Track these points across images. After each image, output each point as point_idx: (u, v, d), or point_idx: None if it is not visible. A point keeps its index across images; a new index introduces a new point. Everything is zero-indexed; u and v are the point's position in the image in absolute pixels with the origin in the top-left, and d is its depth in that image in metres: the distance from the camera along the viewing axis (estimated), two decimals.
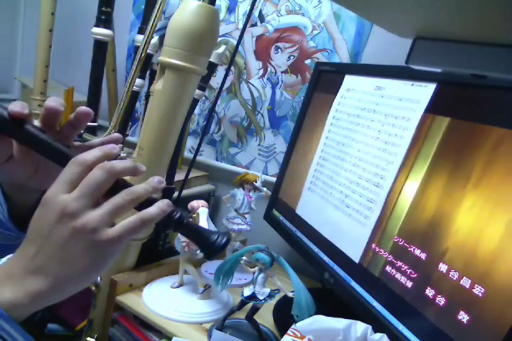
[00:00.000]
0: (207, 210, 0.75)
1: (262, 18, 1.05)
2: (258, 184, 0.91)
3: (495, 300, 0.44)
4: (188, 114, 0.74)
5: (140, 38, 1.05)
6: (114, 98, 1.26)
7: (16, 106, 0.39)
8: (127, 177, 0.39)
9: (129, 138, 1.22)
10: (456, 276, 0.49)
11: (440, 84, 0.59)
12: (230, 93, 1.13)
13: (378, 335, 0.53)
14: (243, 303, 0.70)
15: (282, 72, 1.04)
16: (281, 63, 1.04)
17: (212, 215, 1.16)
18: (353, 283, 0.66)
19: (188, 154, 1.19)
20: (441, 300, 0.50)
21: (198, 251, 0.76)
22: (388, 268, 0.59)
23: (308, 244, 0.80)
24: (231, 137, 1.15)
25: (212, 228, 0.77)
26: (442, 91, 0.59)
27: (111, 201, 0.35)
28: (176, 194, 0.93)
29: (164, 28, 0.88)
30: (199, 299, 0.79)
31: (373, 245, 0.63)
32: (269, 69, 1.06)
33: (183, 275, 0.82)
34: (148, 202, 0.37)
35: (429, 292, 0.52)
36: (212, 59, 0.90)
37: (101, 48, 0.99)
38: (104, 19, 0.96)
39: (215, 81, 1.15)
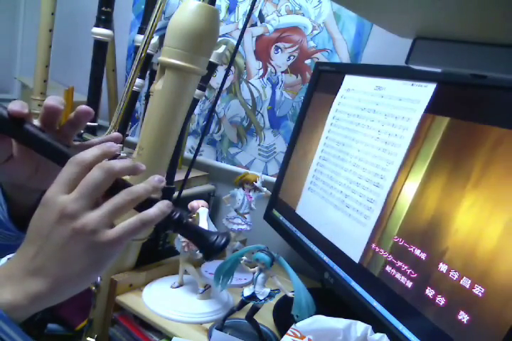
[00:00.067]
0: (207, 210, 0.75)
1: (262, 18, 1.05)
2: (258, 184, 0.91)
3: (495, 300, 0.44)
4: (188, 114, 0.74)
5: (140, 38, 1.05)
6: (114, 98, 1.26)
7: (16, 106, 0.38)
8: (127, 177, 0.38)
9: (129, 138, 1.22)
10: (456, 276, 0.48)
11: (440, 84, 0.59)
12: (230, 93, 1.13)
13: (378, 335, 0.53)
14: (243, 303, 0.70)
15: (282, 72, 1.04)
16: (281, 63, 1.04)
17: (212, 215, 1.16)
18: (353, 283, 0.66)
19: (188, 154, 1.19)
20: (441, 300, 0.50)
21: (198, 251, 0.76)
22: (388, 268, 0.59)
23: (308, 244, 0.80)
24: (231, 137, 1.15)
25: (212, 228, 0.77)
26: (442, 91, 0.59)
27: (110, 201, 0.35)
28: (176, 194, 0.93)
29: (164, 28, 0.87)
30: (199, 299, 0.79)
31: (373, 245, 0.63)
32: (269, 69, 1.06)
33: (183, 275, 0.82)
34: (148, 202, 0.37)
35: (429, 292, 0.52)
36: (212, 59, 0.90)
37: (101, 48, 0.99)
38: (104, 19, 0.96)
39: (215, 81, 1.15)
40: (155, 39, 0.97)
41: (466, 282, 0.47)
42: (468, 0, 0.45)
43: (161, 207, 0.37)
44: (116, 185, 0.36)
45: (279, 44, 1.04)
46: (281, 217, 0.93)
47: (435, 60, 0.66)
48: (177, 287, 0.82)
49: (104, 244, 0.34)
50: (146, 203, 0.37)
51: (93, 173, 0.35)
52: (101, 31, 0.96)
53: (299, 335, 0.55)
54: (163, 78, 0.66)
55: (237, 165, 1.14)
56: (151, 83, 1.09)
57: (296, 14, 1.00)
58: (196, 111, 1.18)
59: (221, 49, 0.95)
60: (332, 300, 0.70)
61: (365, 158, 0.69)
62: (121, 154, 0.93)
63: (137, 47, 1.00)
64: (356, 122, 0.73)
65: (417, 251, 0.55)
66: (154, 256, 0.88)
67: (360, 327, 0.54)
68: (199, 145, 0.96)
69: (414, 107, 0.62)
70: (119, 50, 1.25)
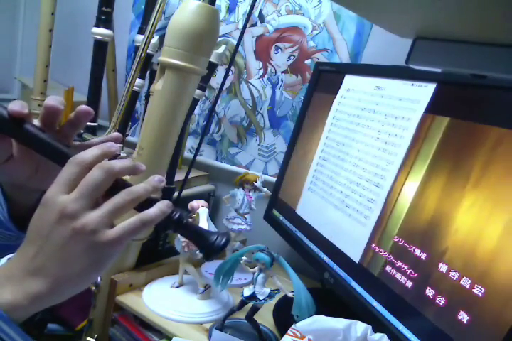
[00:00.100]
0: (207, 210, 0.75)
1: (262, 18, 1.05)
2: (258, 184, 0.91)
3: (495, 300, 0.44)
4: (188, 114, 0.74)
5: (140, 38, 1.05)
6: (114, 98, 1.26)
7: (16, 106, 0.38)
8: (127, 177, 0.38)
9: (129, 138, 1.22)
10: (456, 276, 0.48)
11: (440, 84, 0.59)
12: (230, 93, 1.13)
13: (378, 335, 0.53)
14: (243, 303, 0.70)
15: (282, 72, 1.04)
16: (281, 63, 1.04)
17: (212, 215, 1.16)
18: (353, 283, 0.66)
19: (188, 154, 1.19)
20: (441, 300, 0.50)
21: (198, 251, 0.76)
22: (388, 268, 0.59)
23: (308, 244, 0.80)
24: (231, 137, 1.15)
25: (212, 228, 0.77)
26: (442, 91, 0.59)
27: (110, 201, 0.35)
28: (176, 194, 0.93)
29: (164, 28, 0.88)
30: (199, 299, 0.79)
31: (373, 245, 0.63)
32: (269, 69, 1.06)
33: (183, 275, 0.82)
34: (148, 202, 0.37)
35: (429, 292, 0.52)
36: (212, 59, 0.90)
37: (101, 48, 0.99)
38: (104, 19, 0.96)
39: (215, 81, 1.15)
40: (155, 39, 0.97)
41: (466, 282, 0.47)
42: (468, 0, 0.45)
43: (161, 207, 0.37)
44: (116, 185, 0.36)
45: (279, 44, 1.04)
46: (281, 217, 0.93)
47: (435, 60, 0.66)
48: (177, 287, 0.82)
49: (104, 244, 0.34)
50: (146, 203, 0.37)
51: (93, 173, 0.35)
52: (101, 31, 0.96)
53: (299, 335, 0.55)
54: (163, 78, 0.66)
55: (237, 165, 1.14)
56: (151, 83, 1.09)
57: (296, 14, 1.00)
58: (196, 111, 1.18)
59: (221, 49, 0.95)
60: (332, 300, 0.70)
61: (365, 158, 0.69)
62: (121, 154, 0.93)
63: (137, 47, 1.00)
64: (356, 122, 0.73)
65: (417, 251, 0.55)
66: (154, 256, 0.88)
67: (360, 327, 0.54)
68: (199, 145, 0.96)
69: (414, 107, 0.62)
70: (119, 50, 1.25)
